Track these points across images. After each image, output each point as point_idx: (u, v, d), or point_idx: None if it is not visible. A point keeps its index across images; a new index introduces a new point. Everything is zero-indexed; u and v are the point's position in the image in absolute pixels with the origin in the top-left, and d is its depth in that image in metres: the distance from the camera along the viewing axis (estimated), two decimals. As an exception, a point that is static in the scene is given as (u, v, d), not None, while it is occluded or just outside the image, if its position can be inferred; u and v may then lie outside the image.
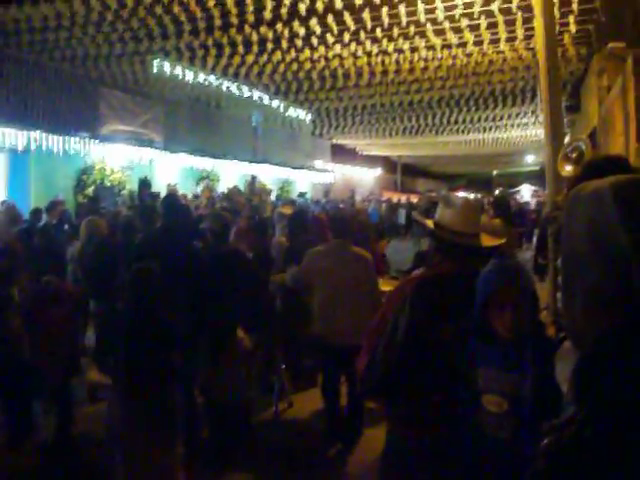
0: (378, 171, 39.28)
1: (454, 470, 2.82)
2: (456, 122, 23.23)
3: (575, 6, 10.92)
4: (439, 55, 14.03)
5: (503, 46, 13.29)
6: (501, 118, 22.82)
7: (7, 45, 13.80)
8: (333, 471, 5.64)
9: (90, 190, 16.21)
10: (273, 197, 23.30)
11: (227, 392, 5.79)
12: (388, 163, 41.86)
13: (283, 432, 6.45)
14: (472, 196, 31.19)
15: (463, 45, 13.19)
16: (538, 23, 9.84)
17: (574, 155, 6.75)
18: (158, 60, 14.74)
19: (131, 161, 17.28)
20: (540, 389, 2.48)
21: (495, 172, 54.10)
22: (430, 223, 3.30)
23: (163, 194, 12.63)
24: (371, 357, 3.11)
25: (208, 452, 5.68)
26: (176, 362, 4.60)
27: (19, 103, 14.56)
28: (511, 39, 12.83)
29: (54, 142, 14.42)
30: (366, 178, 38.31)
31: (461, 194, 36.59)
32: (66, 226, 11.14)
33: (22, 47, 13.97)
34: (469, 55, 14.11)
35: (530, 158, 40.22)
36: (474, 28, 11.99)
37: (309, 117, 22.69)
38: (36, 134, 13.91)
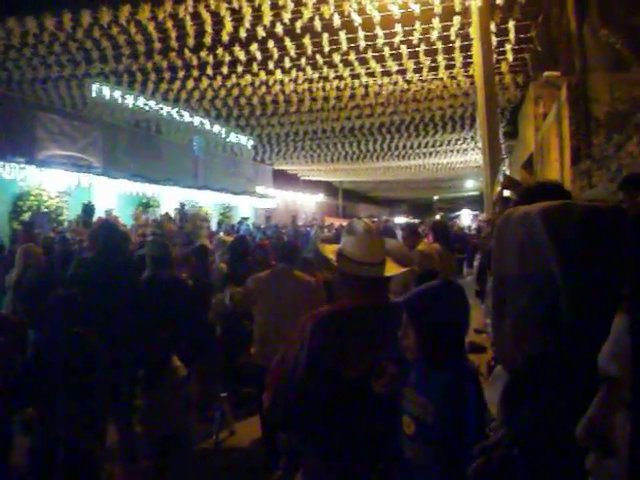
0: (320, 197, 39.52)
1: None
2: (397, 148, 23.57)
3: (512, 35, 11.26)
4: (379, 81, 14.23)
5: (442, 73, 13.58)
6: (441, 144, 23.27)
7: (-62, 68, 13.47)
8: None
9: (26, 216, 15.80)
10: (214, 223, 23.18)
11: (165, 421, 5.66)
12: (330, 188, 42.14)
13: (224, 460, 6.34)
14: (413, 220, 31.53)
15: (403, 72, 13.41)
16: (476, 51, 10.11)
17: (501, 179, 6.92)
18: (97, 84, 14.54)
19: (69, 186, 16.92)
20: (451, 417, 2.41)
21: (436, 197, 54.96)
22: (330, 253, 3.16)
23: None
24: (275, 393, 3.02)
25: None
26: (103, 391, 4.43)
27: (-49, 127, 14.17)
28: (450, 66, 13.12)
29: (-12, 167, 14.08)
30: (308, 203, 38.48)
31: (400, 219, 37.05)
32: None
33: (-45, 70, 13.65)
34: (409, 82, 14.36)
35: (470, 183, 41.02)
36: (413, 55, 12.22)
37: (250, 143, 22.71)
38: (-31, 159, 13.57)
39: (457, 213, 43.65)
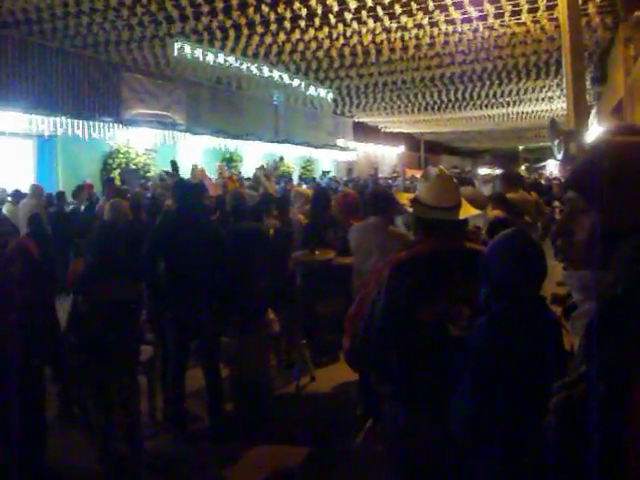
0: (401, 148, 39.07)
1: (446, 448, 2.81)
2: (479, 97, 23.04)
3: (599, -26, 10.76)
4: (459, 29, 13.90)
5: (525, 17, 13.12)
6: (525, 92, 22.58)
7: (30, 33, 13.97)
8: (353, 443, 5.72)
9: (116, 173, 16.45)
10: (296, 176, 23.46)
11: (252, 368, 5.93)
12: (411, 140, 41.57)
13: (305, 405, 6.55)
14: (497, 172, 30.86)
15: (484, 18, 13.05)
16: (561, -8, 9.70)
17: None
18: (178, 43, 14.79)
19: (155, 144, 17.44)
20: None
21: (521, 147, 53.41)
22: (404, 199, 3.23)
23: (188, 175, 12.78)
24: (353, 339, 3.11)
25: (232, 424, 5.83)
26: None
27: (44, 90, 14.75)
28: (533, 10, 12.66)
29: (79, 127, 14.63)
30: (389, 155, 38.17)
31: (484, 170, 36.27)
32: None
33: (45, 35, 14.13)
34: (490, 28, 13.96)
35: (557, 132, 39.49)
36: (494, -1, 11.88)
37: (330, 95, 22.61)
38: (61, 120, 14.14)
39: (543, 163, 42.28)
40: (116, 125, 15.85)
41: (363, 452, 5.36)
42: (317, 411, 6.43)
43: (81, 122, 14.70)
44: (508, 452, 2.42)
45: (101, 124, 15.33)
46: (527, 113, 28.77)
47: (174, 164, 11.92)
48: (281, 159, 22.13)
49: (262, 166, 17.68)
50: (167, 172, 12.34)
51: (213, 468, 5.23)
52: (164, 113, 18.45)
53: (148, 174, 17.14)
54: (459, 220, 3.07)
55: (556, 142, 8.56)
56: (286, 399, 6.63)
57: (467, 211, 3.10)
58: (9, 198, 11.88)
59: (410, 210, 3.14)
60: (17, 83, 14.03)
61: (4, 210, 11.63)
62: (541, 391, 2.32)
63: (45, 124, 13.80)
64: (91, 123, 15.00)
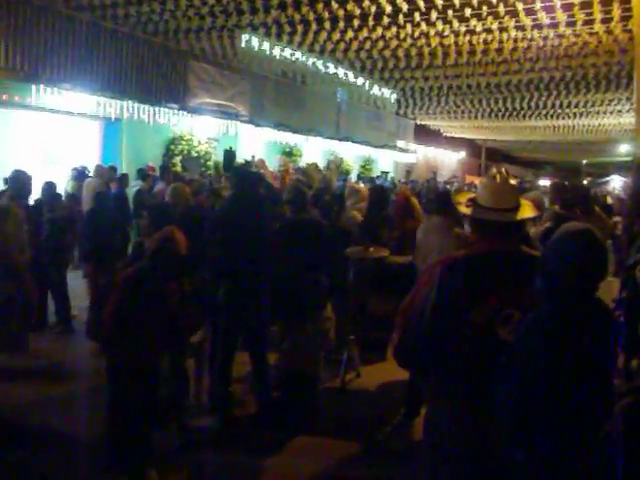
0: (462, 154, 38.70)
1: (485, 449, 2.81)
2: (545, 107, 22.69)
3: (678, -15, 10.45)
4: (529, 35, 13.69)
5: (598, 27, 12.85)
6: (593, 104, 22.13)
7: (103, 18, 14.29)
8: (396, 439, 5.73)
9: (177, 160, 16.74)
10: (354, 175, 23.50)
11: (304, 362, 5.99)
12: (472, 146, 41.11)
13: (348, 401, 6.58)
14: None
15: (555, 25, 12.84)
16: (636, 2, 9.47)
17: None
18: (246, 35, 14.93)
19: (217, 133, 17.68)
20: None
21: (584, 161, 52.31)
22: (461, 198, 3.22)
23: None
24: (403, 332, 3.12)
25: (276, 412, 5.90)
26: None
27: (113, 74, 15.05)
28: (607, 20, 12.38)
29: (145, 112, 14.93)
30: (449, 160, 37.84)
31: (545, 181, 35.66)
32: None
33: (117, 20, 14.43)
34: (561, 36, 13.72)
35: (624, 148, 38.60)
36: (567, 7, 11.65)
37: (394, 96, 22.49)
38: (128, 104, 14.45)
39: (606, 179, 41.31)
40: (181, 112, 16.12)
41: (404, 450, 5.38)
42: (360, 407, 6.46)
43: (147, 107, 15.00)
44: (560, 454, 2.41)
45: (166, 110, 15.61)
46: (594, 126, 28.16)
47: (227, 153, 11.85)
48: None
49: (315, 165, 17.73)
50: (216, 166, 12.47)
51: (253, 453, 5.31)
52: (228, 103, 18.65)
53: (208, 162, 17.41)
54: (515, 222, 3.05)
55: None
56: (330, 393, 6.67)
57: (523, 213, 3.07)
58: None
59: (464, 210, 3.15)
60: (87, 65, 14.32)
61: (68, 188, 12.01)
62: (593, 391, 2.31)
63: (112, 107, 14.11)
64: (157, 109, 15.29)
